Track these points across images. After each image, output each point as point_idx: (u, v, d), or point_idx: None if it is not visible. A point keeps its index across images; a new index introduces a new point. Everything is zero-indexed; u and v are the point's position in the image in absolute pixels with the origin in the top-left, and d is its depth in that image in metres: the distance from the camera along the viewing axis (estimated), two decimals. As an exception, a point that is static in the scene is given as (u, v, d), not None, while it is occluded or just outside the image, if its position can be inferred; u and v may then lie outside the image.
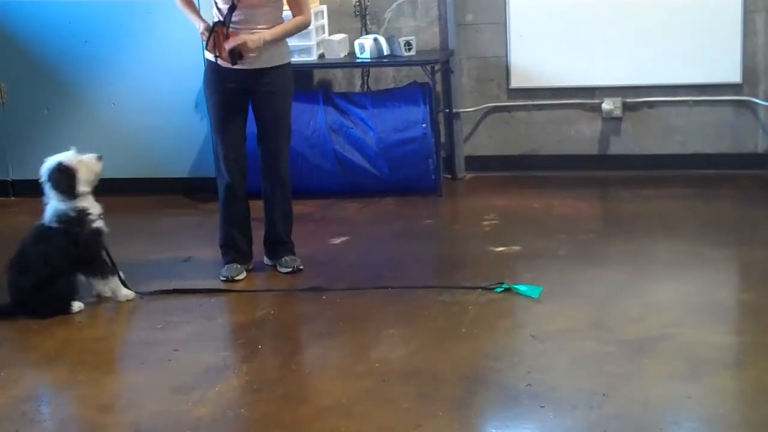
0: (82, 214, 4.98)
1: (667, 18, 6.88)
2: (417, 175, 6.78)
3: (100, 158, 5.11)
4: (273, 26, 5.11)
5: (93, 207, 5.04)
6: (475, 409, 3.82)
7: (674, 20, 6.88)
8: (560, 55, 7.08)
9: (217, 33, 5.04)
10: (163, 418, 3.87)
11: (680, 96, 7.01)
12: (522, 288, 4.91)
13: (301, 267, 5.39)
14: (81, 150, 5.07)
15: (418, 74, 7.08)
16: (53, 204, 4.97)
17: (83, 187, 4.99)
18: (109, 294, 5.08)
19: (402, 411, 3.81)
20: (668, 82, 7.00)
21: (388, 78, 7.37)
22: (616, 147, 7.16)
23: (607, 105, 7.05)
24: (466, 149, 7.36)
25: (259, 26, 5.07)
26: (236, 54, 5.01)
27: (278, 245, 5.45)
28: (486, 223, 6.17)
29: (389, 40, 6.91)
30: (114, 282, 5.07)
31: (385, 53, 6.88)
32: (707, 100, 6.99)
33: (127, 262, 5.32)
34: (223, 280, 5.29)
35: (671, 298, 4.79)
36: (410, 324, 4.65)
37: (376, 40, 6.86)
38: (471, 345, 4.37)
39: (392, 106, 6.73)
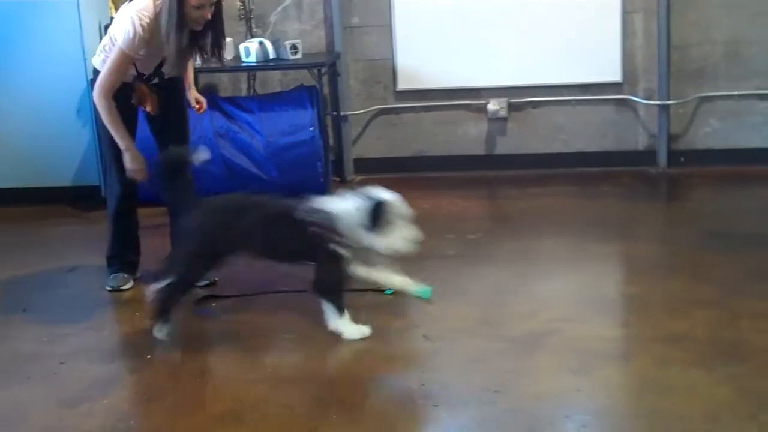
0: None
1: (550, 20, 7.01)
2: (306, 179, 6.74)
3: None
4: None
5: None
6: (370, 410, 3.82)
7: (556, 22, 7.01)
8: (446, 56, 7.14)
9: (139, 90, 4.93)
10: (51, 432, 3.77)
11: (563, 96, 7.15)
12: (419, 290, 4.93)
13: (217, 279, 5.16)
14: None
15: (305, 77, 7.06)
16: None
17: None
18: None
19: (296, 416, 3.78)
20: (552, 83, 7.13)
21: (275, 82, 7.33)
22: (503, 147, 7.26)
23: (493, 105, 7.14)
24: (354, 152, 7.37)
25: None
26: None
27: None
28: (376, 224, 6.17)
29: (275, 44, 6.88)
30: None
31: (271, 57, 6.84)
32: (589, 100, 7.14)
33: (11, 274, 5.18)
34: (109, 290, 5.19)
35: (559, 293, 4.87)
36: (303, 328, 4.62)
37: (261, 43, 6.82)
38: (364, 347, 4.37)
39: (279, 110, 6.70)
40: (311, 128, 6.68)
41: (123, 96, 4.85)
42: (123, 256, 5.26)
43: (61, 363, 4.37)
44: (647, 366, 4.03)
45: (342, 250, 4.31)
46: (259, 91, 7.29)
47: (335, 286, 4.39)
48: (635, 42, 7.02)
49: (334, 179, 7.14)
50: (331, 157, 7.13)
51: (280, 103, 6.81)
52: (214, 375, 4.25)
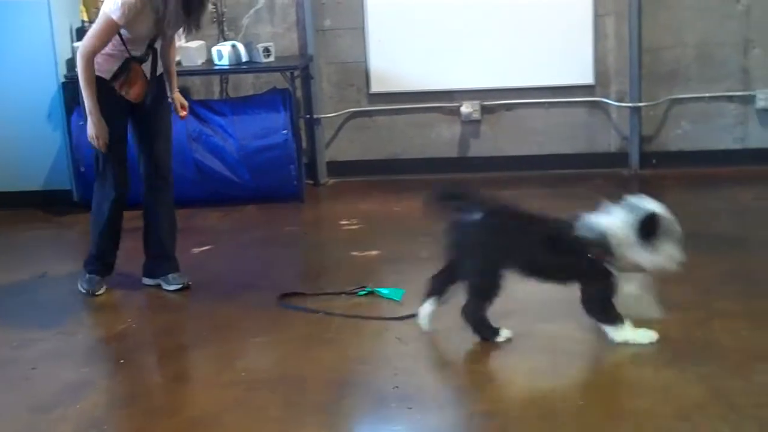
0: None
1: (522, 23, 7.03)
2: (279, 182, 6.74)
3: None
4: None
5: None
6: (343, 413, 3.81)
7: (529, 25, 7.03)
8: (419, 59, 7.15)
9: (134, 71, 4.86)
10: (22, 438, 3.74)
11: (536, 98, 7.17)
12: (384, 291, 4.93)
13: (191, 282, 5.19)
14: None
15: (278, 80, 7.05)
16: None
17: None
18: None
19: (270, 419, 3.77)
20: (524, 85, 7.15)
21: (248, 85, 7.31)
22: (476, 149, 7.28)
23: (466, 108, 7.15)
24: (327, 155, 7.37)
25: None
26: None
27: (164, 261, 5.23)
28: (349, 228, 6.18)
29: (247, 47, 6.86)
30: None
31: (244, 60, 6.83)
32: (562, 102, 7.17)
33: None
34: (83, 292, 5.15)
35: (533, 295, 4.86)
36: (276, 331, 4.61)
37: (234, 46, 6.80)
38: (337, 350, 4.36)
39: (252, 113, 6.68)
40: (284, 131, 6.67)
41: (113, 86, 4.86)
42: (104, 258, 5.20)
43: (32, 368, 4.33)
44: (620, 366, 4.05)
45: (612, 269, 4.11)
46: (232, 94, 7.27)
47: (606, 305, 4.17)
48: (607, 45, 7.05)
49: (308, 182, 7.13)
50: (304, 160, 7.12)
51: (252, 106, 6.79)
52: (187, 379, 4.23)
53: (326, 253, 5.86)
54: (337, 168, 7.36)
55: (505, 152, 7.25)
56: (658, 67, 7.05)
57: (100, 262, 5.19)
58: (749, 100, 7.01)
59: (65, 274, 5.48)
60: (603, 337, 4.39)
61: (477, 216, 4.25)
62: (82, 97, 4.81)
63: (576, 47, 7.04)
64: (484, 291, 4.27)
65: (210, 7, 7.03)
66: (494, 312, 4.62)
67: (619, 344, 4.21)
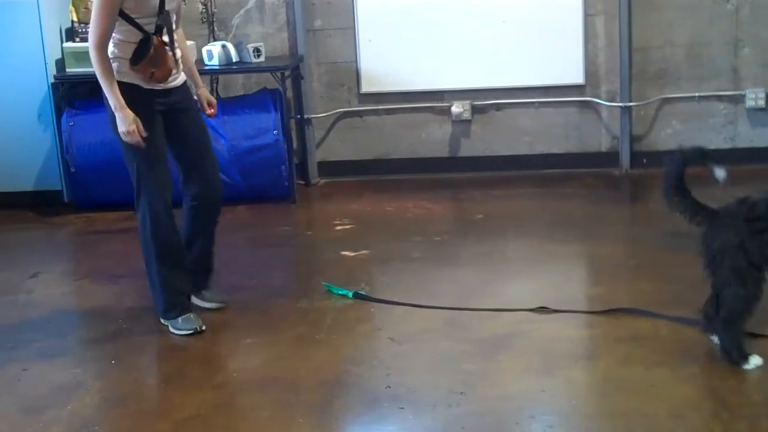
0: None
1: (513, 22, 7.04)
2: (270, 182, 6.74)
3: None
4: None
5: None
6: (336, 413, 3.81)
7: (519, 25, 7.03)
8: (409, 59, 7.15)
9: (156, 47, 4.41)
10: (13, 440, 3.73)
11: (527, 98, 7.18)
12: (337, 290, 4.96)
13: (227, 305, 4.87)
14: None
15: (268, 81, 7.04)
16: None
17: None
18: None
19: (262, 420, 3.77)
20: (515, 85, 7.15)
21: (238, 85, 7.30)
22: (467, 149, 7.28)
23: (457, 108, 7.16)
24: (318, 155, 7.36)
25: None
26: None
27: (202, 274, 4.86)
28: (341, 228, 6.18)
29: (238, 47, 6.85)
30: None
31: (234, 60, 6.81)
32: (552, 102, 7.17)
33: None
34: (190, 333, 4.58)
35: (524, 295, 4.88)
36: (268, 332, 4.61)
37: (224, 46, 6.79)
38: (330, 350, 4.36)
39: (243, 113, 6.68)
40: (275, 131, 6.66)
41: (160, 116, 4.50)
42: (184, 291, 4.68)
43: (24, 369, 4.32)
44: (611, 366, 4.05)
45: None
46: (222, 94, 7.26)
47: None
48: (597, 44, 7.06)
49: (299, 183, 7.12)
50: (295, 160, 7.12)
51: (243, 106, 6.79)
52: (178, 380, 4.21)
53: (318, 253, 5.86)
54: (328, 168, 7.36)
55: (496, 152, 7.26)
56: (648, 67, 7.06)
57: (183, 296, 4.68)
58: (739, 99, 7.03)
59: (57, 274, 5.47)
60: (594, 336, 4.41)
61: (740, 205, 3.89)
62: (105, 98, 4.40)
63: (566, 47, 7.05)
64: (751, 295, 3.86)
65: (200, 7, 7.06)
66: (484, 312, 4.64)
67: (610, 344, 4.22)
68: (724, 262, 3.87)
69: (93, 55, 4.34)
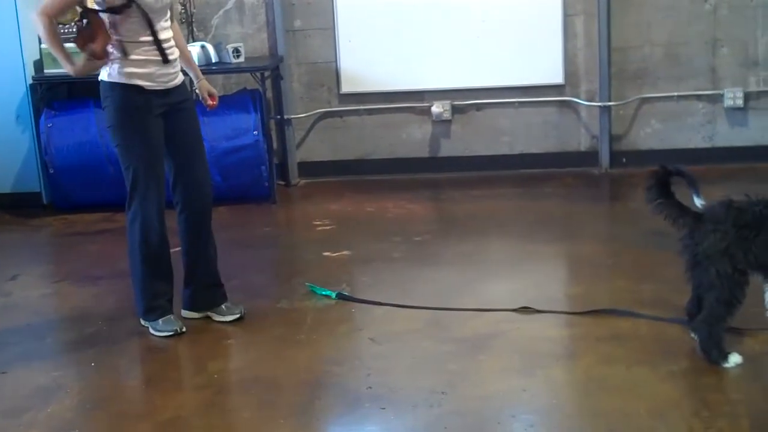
0: None
1: (492, 23, 7.05)
2: (250, 183, 6.72)
3: None
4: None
5: None
6: (317, 414, 3.81)
7: (499, 25, 7.05)
8: (389, 59, 7.15)
9: (95, 19, 4.30)
10: (-8, 443, 3.71)
11: (506, 98, 7.19)
12: (321, 290, 4.96)
13: (245, 311, 4.75)
14: None
15: (248, 81, 7.03)
16: None
17: None
18: None
19: (243, 420, 3.76)
20: (495, 85, 7.17)
21: (217, 85, 7.26)
22: (447, 149, 7.29)
23: (437, 108, 7.16)
24: (298, 155, 7.35)
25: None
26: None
27: (216, 291, 4.77)
28: (321, 228, 6.17)
29: (217, 47, 6.84)
30: None
31: (214, 60, 6.80)
32: (532, 102, 7.19)
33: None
34: (170, 335, 4.55)
35: (505, 294, 4.89)
36: (248, 333, 4.60)
37: (203, 47, 6.77)
38: (310, 351, 4.35)
39: (222, 114, 6.64)
40: (255, 132, 6.65)
41: (157, 118, 4.46)
42: (165, 294, 4.63)
43: (2, 372, 4.30)
44: (592, 365, 4.06)
45: None
46: (202, 95, 7.24)
47: None
48: (576, 44, 7.09)
49: (279, 183, 7.11)
50: (275, 161, 7.10)
51: (223, 107, 6.69)
52: (158, 382, 4.20)
53: (299, 254, 5.85)
54: (309, 168, 7.35)
55: (476, 152, 7.27)
56: (627, 67, 7.09)
57: (164, 299, 4.63)
58: (717, 98, 7.07)
59: (36, 276, 5.43)
60: (574, 335, 4.42)
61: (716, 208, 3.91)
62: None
63: (546, 47, 7.07)
64: (731, 299, 3.89)
65: (179, 7, 7.03)
66: (464, 312, 4.64)
67: (590, 343, 4.24)
68: (709, 265, 3.88)
69: (39, 20, 4.28)
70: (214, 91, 4.86)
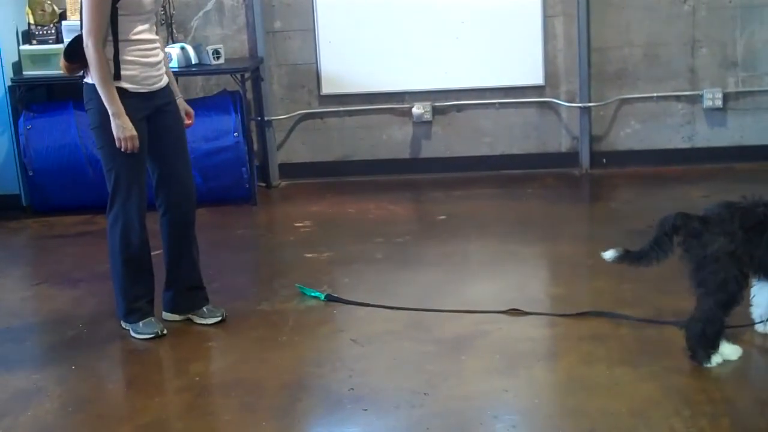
0: None
1: (472, 24, 7.06)
2: (231, 185, 6.71)
3: None
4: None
5: None
6: (299, 416, 3.80)
7: (479, 26, 7.06)
8: (370, 61, 7.15)
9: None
10: (-29, 447, 3.68)
11: (487, 99, 7.20)
12: (310, 292, 4.96)
13: (227, 314, 4.75)
14: None
15: (228, 82, 7.01)
16: None
17: None
18: None
19: (224, 423, 3.75)
20: (475, 86, 7.17)
21: (197, 87, 7.26)
22: (428, 150, 7.29)
23: (417, 109, 7.17)
24: (279, 157, 7.34)
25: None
26: None
27: (198, 293, 4.76)
28: (302, 230, 6.17)
29: (197, 49, 6.82)
30: None
31: (193, 62, 6.78)
32: (512, 102, 7.20)
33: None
34: (151, 337, 4.55)
35: (486, 295, 4.89)
36: (229, 335, 4.58)
37: (183, 48, 6.75)
38: (292, 352, 4.35)
39: (202, 116, 6.59)
40: (235, 134, 6.64)
41: (143, 122, 4.42)
42: (146, 296, 4.63)
43: (-18, 376, 4.27)
44: (573, 365, 4.07)
45: None
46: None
47: None
48: (556, 45, 7.10)
49: (260, 185, 7.10)
50: (256, 162, 7.09)
51: (203, 108, 6.72)
52: (139, 385, 4.18)
53: (280, 256, 5.84)
54: (289, 170, 7.34)
55: (457, 153, 7.28)
56: (606, 67, 7.11)
57: (144, 301, 4.62)
58: (696, 99, 7.10)
59: (14, 278, 5.40)
60: (555, 335, 4.43)
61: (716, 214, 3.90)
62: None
63: (526, 48, 7.08)
64: (732, 303, 3.91)
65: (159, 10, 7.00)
66: (446, 313, 4.64)
67: (572, 343, 4.25)
68: (716, 268, 3.86)
69: (90, 56, 4.26)
70: (190, 110, 4.81)
